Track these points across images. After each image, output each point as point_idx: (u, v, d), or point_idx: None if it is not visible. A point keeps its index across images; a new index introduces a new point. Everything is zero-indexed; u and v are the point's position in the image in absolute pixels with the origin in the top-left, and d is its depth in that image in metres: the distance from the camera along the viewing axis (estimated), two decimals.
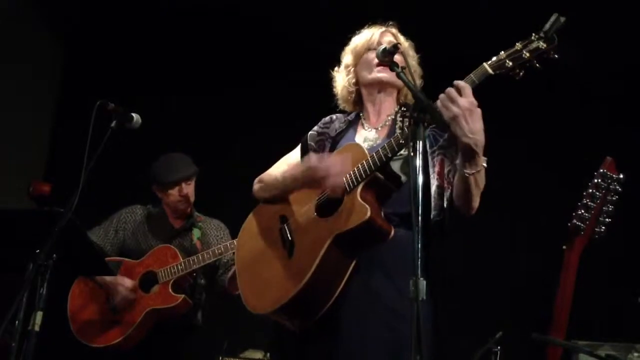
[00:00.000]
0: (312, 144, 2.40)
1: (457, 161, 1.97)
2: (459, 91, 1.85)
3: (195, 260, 3.34)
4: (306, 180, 2.16)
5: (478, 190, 1.97)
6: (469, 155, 1.89)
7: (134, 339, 3.31)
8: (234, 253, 3.32)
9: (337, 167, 2.07)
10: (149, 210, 3.68)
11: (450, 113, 1.83)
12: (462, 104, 1.83)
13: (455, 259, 2.17)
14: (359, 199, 2.03)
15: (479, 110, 1.86)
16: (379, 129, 2.30)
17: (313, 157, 2.16)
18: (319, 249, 2.04)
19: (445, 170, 2.12)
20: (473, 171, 1.91)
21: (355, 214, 2.01)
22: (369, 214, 1.98)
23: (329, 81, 2.50)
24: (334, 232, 2.04)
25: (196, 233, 3.53)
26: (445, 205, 2.08)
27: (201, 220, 3.66)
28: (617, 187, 2.17)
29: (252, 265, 2.29)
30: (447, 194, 2.08)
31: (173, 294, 3.32)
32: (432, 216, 2.08)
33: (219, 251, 3.32)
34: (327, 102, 2.49)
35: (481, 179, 1.95)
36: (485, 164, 1.93)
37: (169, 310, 3.32)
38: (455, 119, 1.83)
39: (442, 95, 1.86)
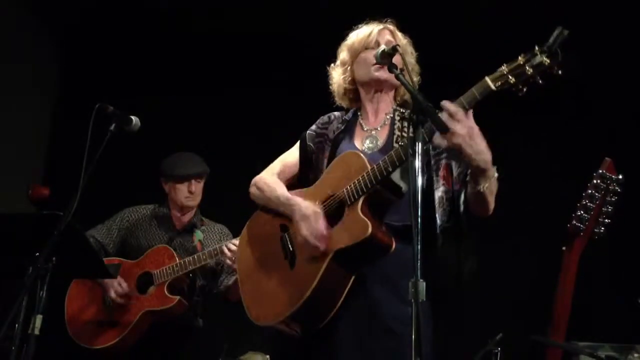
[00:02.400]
0: (311, 144, 2.38)
1: (468, 179, 1.97)
2: (452, 117, 1.79)
3: (191, 261, 3.30)
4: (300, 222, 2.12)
5: (492, 196, 1.97)
6: (480, 172, 1.88)
7: (129, 341, 3.30)
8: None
9: (311, 239, 2.05)
10: (153, 209, 3.67)
11: (451, 143, 1.79)
12: (461, 132, 1.78)
13: (454, 260, 2.16)
14: (360, 213, 2.00)
15: (477, 129, 1.82)
16: (378, 129, 2.28)
17: (307, 214, 2.11)
18: (320, 263, 2.03)
19: (456, 173, 2.11)
20: (486, 184, 1.90)
21: (356, 230, 1.99)
22: (370, 230, 1.96)
23: (328, 82, 2.49)
24: (334, 247, 2.02)
25: (198, 235, 3.51)
26: (462, 209, 2.07)
27: (205, 224, 3.65)
28: (616, 188, 2.17)
29: (254, 275, 2.28)
30: (462, 195, 2.07)
31: (168, 295, 3.30)
32: (439, 222, 2.07)
33: (215, 252, 3.28)
34: (327, 102, 2.49)
35: (494, 186, 1.95)
36: (496, 174, 1.92)
37: (165, 311, 3.30)
38: (459, 147, 1.80)
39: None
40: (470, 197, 2.01)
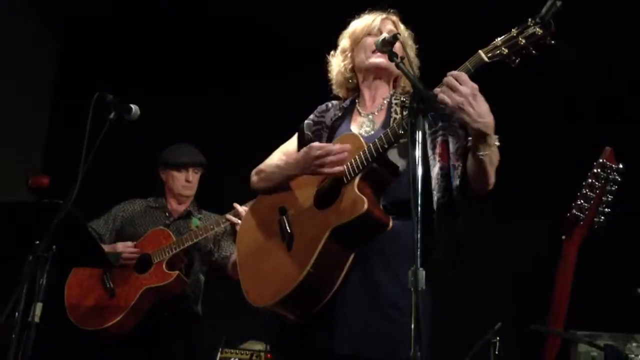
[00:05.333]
0: (309, 133, 2.40)
1: (469, 144, 1.96)
2: (457, 80, 1.84)
3: (188, 237, 3.34)
4: (305, 160, 2.15)
5: (493, 168, 1.96)
6: (482, 137, 1.88)
7: (130, 322, 3.31)
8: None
9: (335, 148, 2.08)
10: (149, 200, 3.71)
11: (454, 102, 1.83)
12: (464, 91, 1.82)
13: (447, 238, 2.15)
14: (357, 190, 2.02)
15: (479, 94, 1.85)
16: (375, 113, 2.30)
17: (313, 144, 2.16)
18: (317, 242, 2.03)
19: (453, 149, 2.09)
20: (487, 152, 1.90)
21: (352, 207, 2.00)
22: (366, 206, 1.97)
23: (327, 75, 2.49)
24: (331, 225, 2.03)
25: (194, 222, 3.53)
26: (456, 184, 2.05)
27: (201, 214, 3.67)
28: (617, 177, 2.17)
29: (253, 258, 2.29)
30: (457, 171, 2.05)
31: (167, 271, 3.33)
32: (435, 199, 2.07)
33: (211, 226, 3.31)
34: (326, 94, 2.48)
35: (495, 156, 1.94)
36: (497, 142, 1.92)
37: (164, 288, 3.32)
38: (461, 107, 1.82)
39: (442, 87, 1.85)
40: (470, 169, 1.99)
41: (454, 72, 1.86)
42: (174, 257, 3.36)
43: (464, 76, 1.85)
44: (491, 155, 1.91)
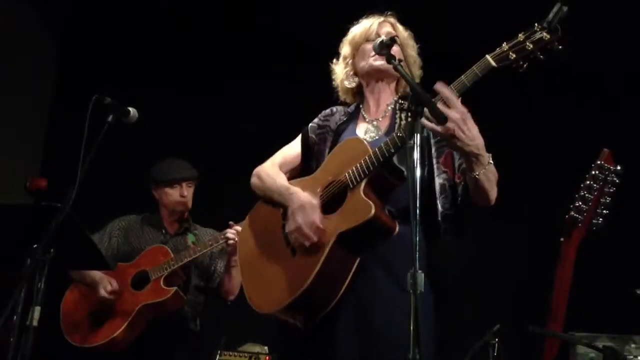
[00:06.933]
0: (313, 136, 2.39)
1: (464, 166, 1.97)
2: (446, 104, 1.82)
3: (186, 254, 3.32)
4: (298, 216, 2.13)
5: (491, 184, 1.96)
6: (474, 158, 1.88)
7: (127, 337, 3.28)
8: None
9: (305, 229, 2.06)
10: (144, 217, 3.68)
11: (445, 129, 1.81)
12: (454, 117, 1.80)
13: (454, 249, 2.16)
14: (363, 195, 2.01)
15: (470, 116, 1.84)
16: (380, 119, 2.29)
17: (301, 201, 2.13)
18: (323, 247, 2.02)
19: (456, 164, 2.10)
20: (481, 170, 1.90)
21: (359, 212, 1.99)
22: (373, 211, 1.96)
23: (327, 74, 2.49)
24: (337, 230, 2.02)
25: (191, 238, 3.52)
26: (459, 200, 2.06)
27: (196, 229, 3.66)
28: (615, 178, 2.17)
29: (256, 263, 2.28)
30: (459, 188, 2.06)
31: (165, 287, 3.31)
32: (440, 209, 2.07)
33: (210, 243, 3.31)
34: (325, 95, 2.48)
35: (492, 173, 1.95)
36: (491, 160, 1.92)
37: (162, 304, 3.29)
38: (452, 134, 1.81)
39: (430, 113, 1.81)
40: (469, 186, 2.00)
41: (445, 93, 1.83)
42: (172, 273, 3.34)
43: (453, 100, 1.82)
44: (487, 173, 1.91)
